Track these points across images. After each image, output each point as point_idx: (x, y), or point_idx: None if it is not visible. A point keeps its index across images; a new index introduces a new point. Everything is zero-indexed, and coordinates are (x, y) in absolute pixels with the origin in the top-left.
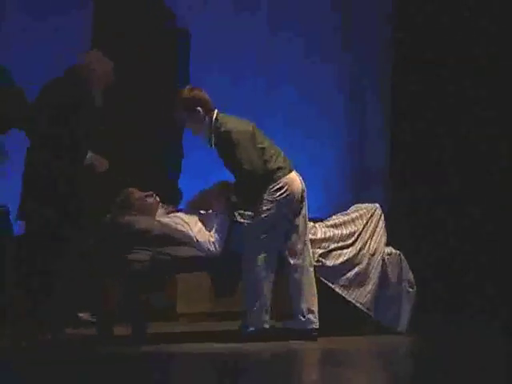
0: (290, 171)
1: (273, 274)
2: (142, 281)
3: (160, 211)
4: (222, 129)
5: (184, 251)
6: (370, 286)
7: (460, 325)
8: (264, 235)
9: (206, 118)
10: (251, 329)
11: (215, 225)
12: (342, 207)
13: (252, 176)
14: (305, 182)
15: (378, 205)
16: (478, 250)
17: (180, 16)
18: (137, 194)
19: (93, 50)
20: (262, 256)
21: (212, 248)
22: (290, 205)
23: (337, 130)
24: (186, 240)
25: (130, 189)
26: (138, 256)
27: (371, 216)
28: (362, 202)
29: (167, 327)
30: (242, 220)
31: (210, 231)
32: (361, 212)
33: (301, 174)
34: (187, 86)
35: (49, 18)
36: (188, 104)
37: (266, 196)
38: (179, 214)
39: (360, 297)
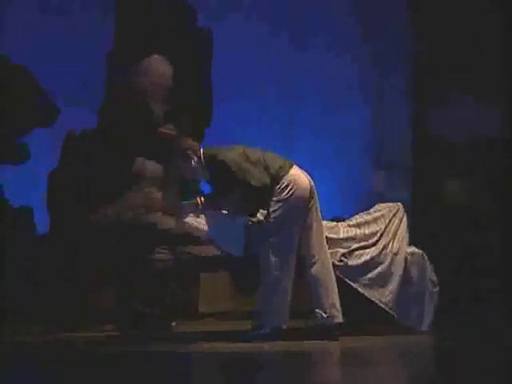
0: (291, 166)
1: (291, 274)
2: (164, 280)
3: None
4: (217, 159)
5: (206, 250)
6: (392, 286)
7: (477, 322)
8: (277, 235)
9: (195, 158)
10: (265, 330)
11: (234, 224)
12: (365, 206)
13: (263, 188)
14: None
15: (400, 204)
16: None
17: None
18: (156, 194)
19: (154, 54)
20: (277, 256)
21: (235, 247)
22: (299, 201)
23: (359, 129)
24: (207, 239)
25: (148, 189)
26: (160, 255)
27: (394, 215)
28: (385, 202)
29: (186, 326)
30: (262, 218)
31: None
32: (383, 211)
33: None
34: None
35: (69, 18)
36: (183, 152)
37: (273, 198)
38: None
39: (382, 296)
